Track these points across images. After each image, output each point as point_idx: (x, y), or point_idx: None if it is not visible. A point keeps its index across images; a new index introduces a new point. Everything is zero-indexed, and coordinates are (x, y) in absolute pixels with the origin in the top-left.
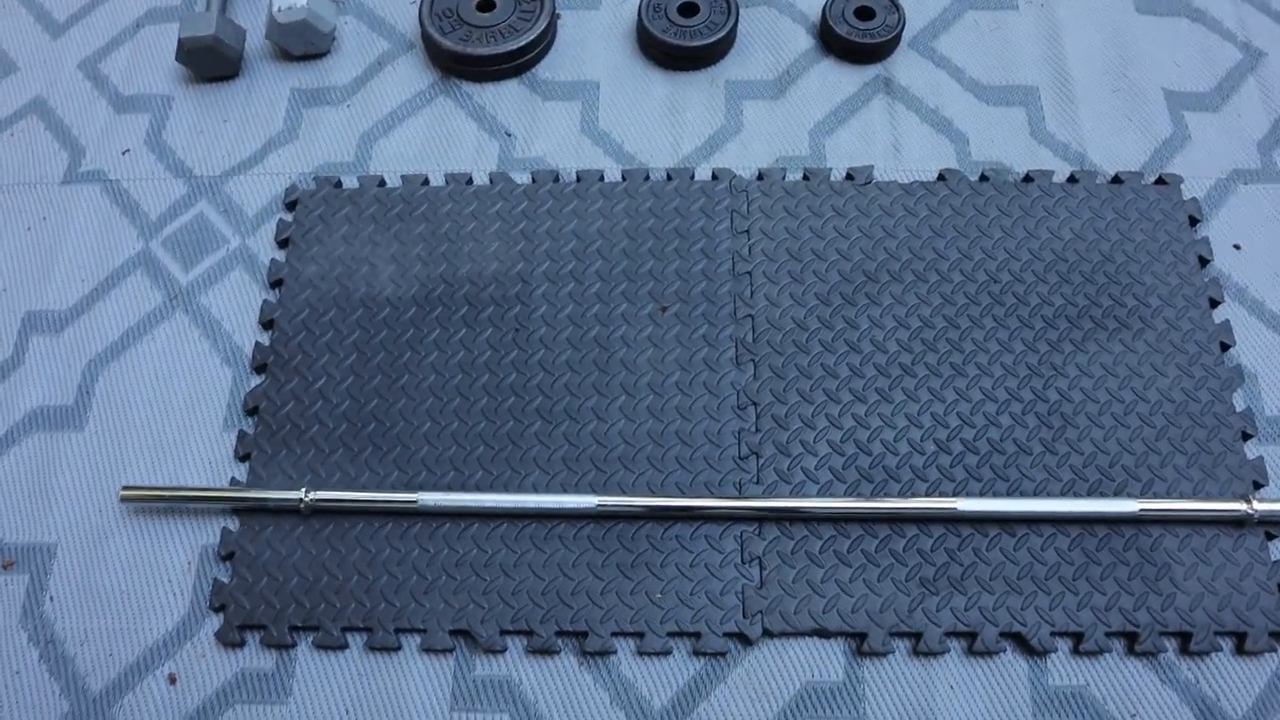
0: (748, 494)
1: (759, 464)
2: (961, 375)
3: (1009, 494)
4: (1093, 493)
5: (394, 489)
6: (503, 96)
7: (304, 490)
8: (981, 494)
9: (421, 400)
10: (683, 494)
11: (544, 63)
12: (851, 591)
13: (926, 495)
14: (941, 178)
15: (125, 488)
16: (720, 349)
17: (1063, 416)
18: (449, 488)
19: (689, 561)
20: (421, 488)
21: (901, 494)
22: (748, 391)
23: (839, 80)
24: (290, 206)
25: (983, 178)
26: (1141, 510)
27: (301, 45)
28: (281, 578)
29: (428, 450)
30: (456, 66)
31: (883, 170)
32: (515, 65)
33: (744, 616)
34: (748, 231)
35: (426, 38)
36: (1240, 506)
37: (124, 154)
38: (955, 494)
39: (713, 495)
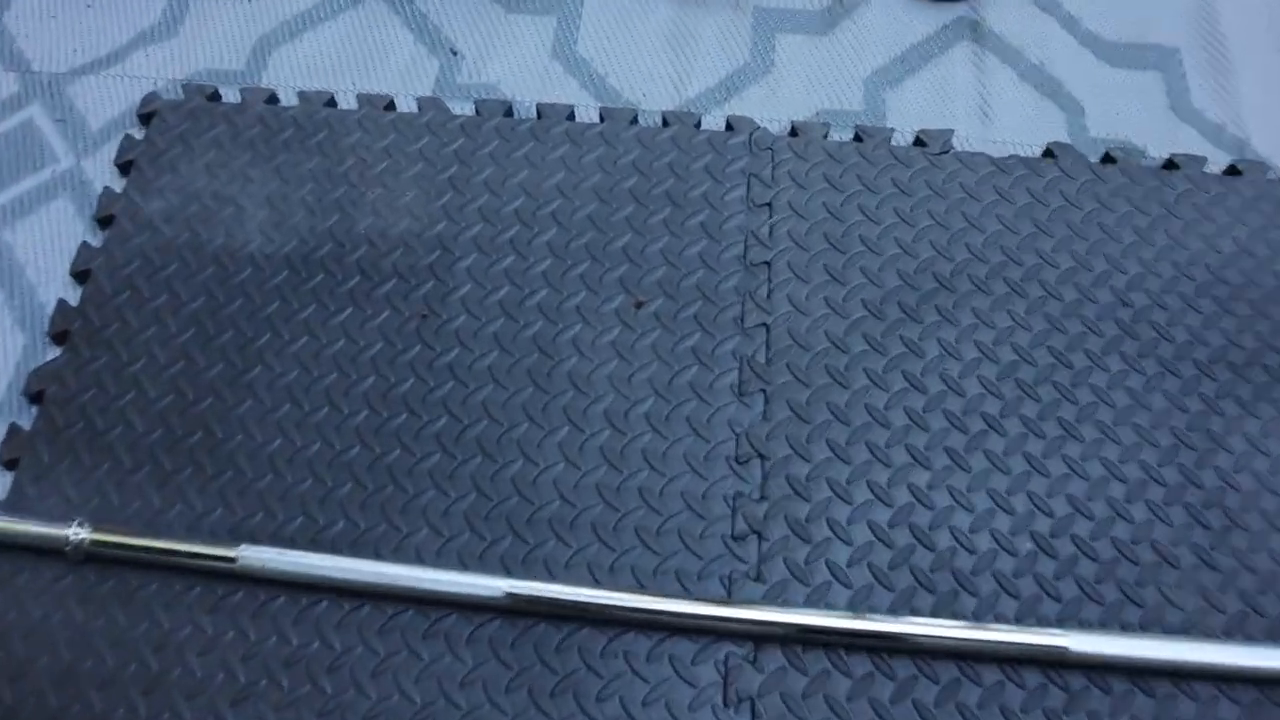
0: (740, 596)
1: (761, 550)
2: (1075, 438)
3: (1143, 628)
4: (1276, 635)
5: (213, 535)
6: (453, 3)
7: (77, 525)
8: (1103, 626)
9: (276, 405)
10: (643, 588)
11: None
12: None
13: (1018, 624)
14: (1050, 154)
15: None
16: (718, 370)
17: (1226, 513)
18: (292, 541)
19: (643, 696)
20: (252, 537)
21: (978, 617)
22: (753, 437)
23: (910, 18)
24: (145, 120)
25: (1107, 159)
26: None
27: None
28: (27, 655)
29: (272, 480)
30: None
31: (966, 138)
32: None
33: None
34: (770, 205)
35: None
36: None
37: None
38: (1062, 624)
39: (689, 596)
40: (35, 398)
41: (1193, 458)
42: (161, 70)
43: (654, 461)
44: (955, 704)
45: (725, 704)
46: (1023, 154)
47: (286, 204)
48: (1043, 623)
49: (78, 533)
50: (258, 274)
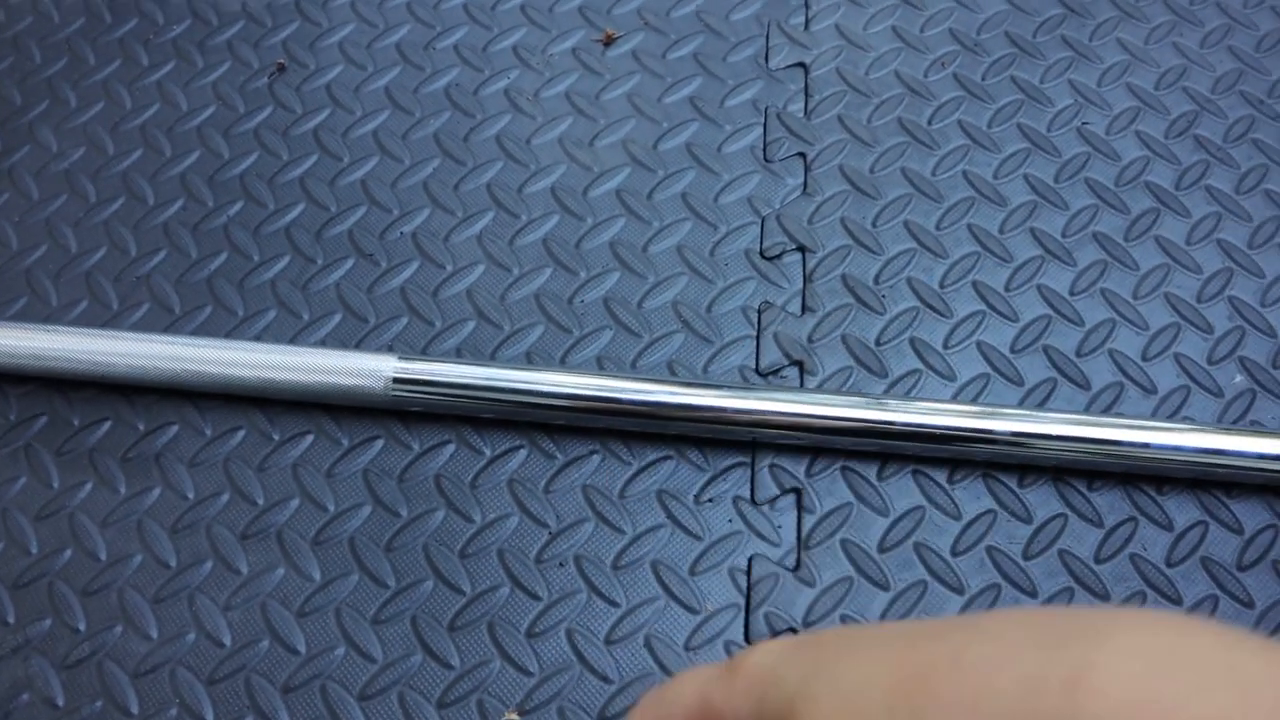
0: (768, 389)
1: (806, 386)
2: None
3: None
4: None
5: None
6: None
7: None
8: None
9: (46, 198)
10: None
11: None
12: None
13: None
14: None
15: None
16: (730, 128)
17: None
18: None
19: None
20: None
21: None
22: (788, 221)
23: None
24: None
25: None
26: None
27: None
28: None
29: (30, 301)
30: None
31: None
32: None
33: None
34: None
35: None
36: None
37: None
38: None
39: (686, 383)
40: None
41: None
42: None
43: (630, 260)
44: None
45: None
46: None
47: None
48: None
49: None
50: (41, 23)
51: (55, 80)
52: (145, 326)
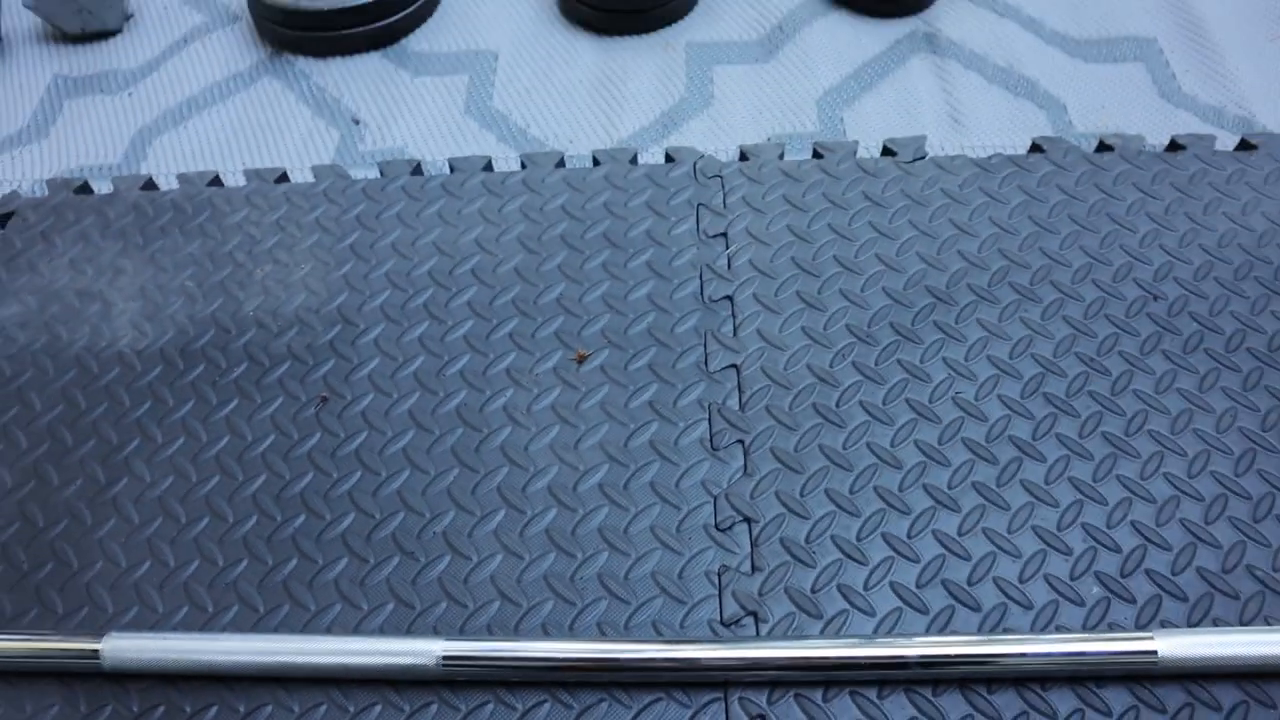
0: (734, 641)
1: (761, 634)
2: (1128, 454)
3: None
4: None
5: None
6: (355, 73)
7: None
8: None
9: (145, 522)
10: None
11: (419, 31)
12: None
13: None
14: (1038, 149)
15: None
16: (683, 424)
17: None
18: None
19: None
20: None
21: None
22: (735, 498)
23: (859, 36)
24: (2, 222)
25: (1103, 147)
26: None
27: (78, 21)
28: None
29: (139, 610)
30: (293, 33)
31: (939, 145)
32: (374, 30)
33: None
34: (725, 235)
35: None
36: None
37: None
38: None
39: (676, 639)
40: None
41: (1275, 461)
42: (26, 172)
43: (615, 541)
44: None
45: None
46: (1008, 153)
47: (162, 293)
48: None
49: None
50: (127, 373)
51: (143, 420)
52: (236, 625)
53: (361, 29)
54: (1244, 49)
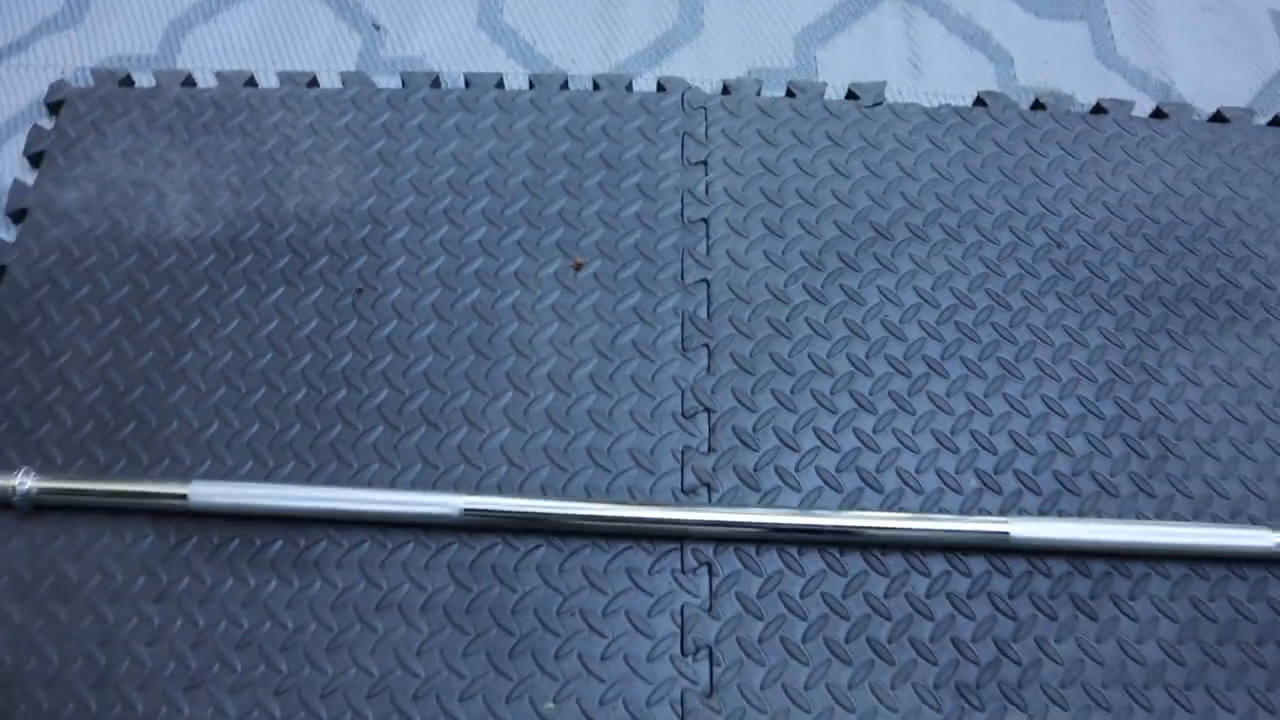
0: (692, 504)
1: (712, 500)
2: (1015, 376)
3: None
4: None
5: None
6: None
7: (22, 474)
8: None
9: (210, 390)
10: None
11: None
12: (852, 703)
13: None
14: (981, 102)
15: None
16: (660, 327)
17: (1161, 442)
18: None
19: (600, 651)
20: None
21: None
22: (699, 392)
23: None
24: (54, 110)
25: (1036, 105)
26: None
27: None
28: None
29: (212, 463)
30: None
31: (898, 90)
32: None
33: None
34: (705, 163)
35: None
36: None
37: None
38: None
39: (644, 501)
40: None
41: (1129, 390)
42: (68, 58)
43: (601, 421)
44: (904, 594)
45: (684, 652)
46: (954, 104)
47: (210, 187)
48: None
49: (24, 481)
50: (184, 259)
51: (202, 302)
52: (292, 478)
53: None
54: (1178, 16)
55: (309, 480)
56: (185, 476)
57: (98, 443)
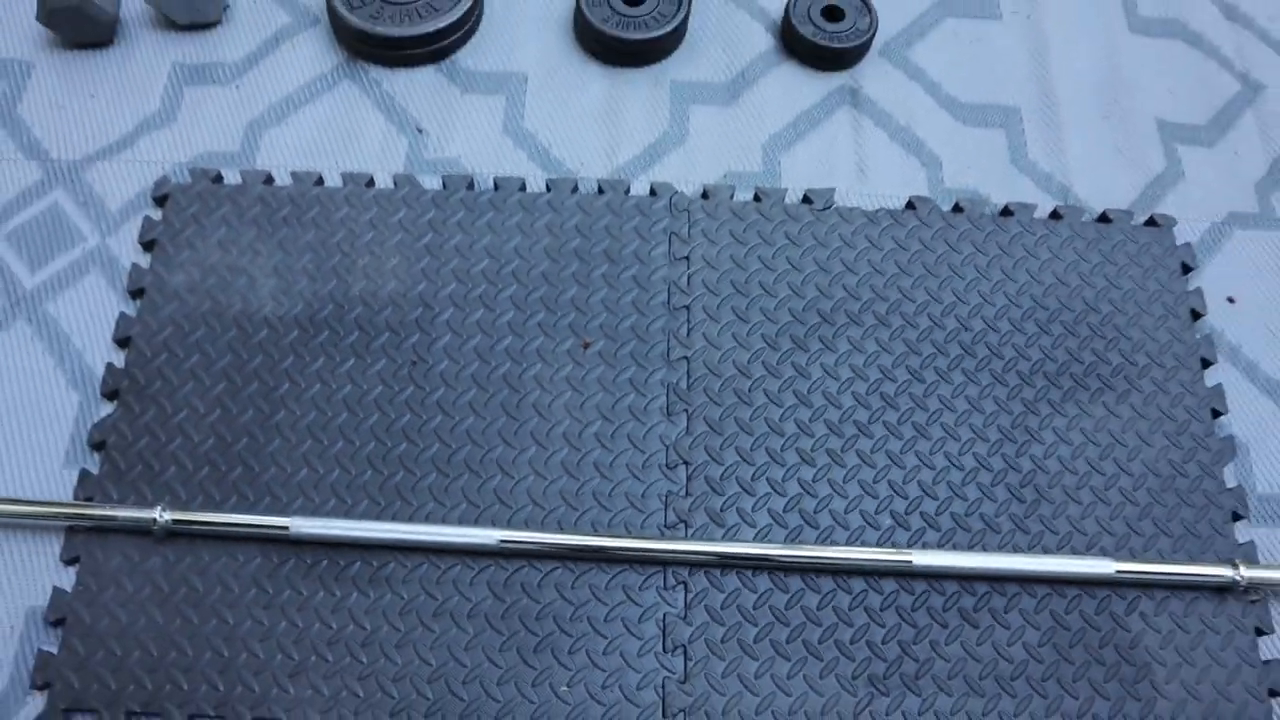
0: (672, 538)
1: (688, 534)
2: (925, 437)
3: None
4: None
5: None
6: (416, 85)
7: (160, 509)
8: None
9: (298, 441)
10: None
11: (466, 48)
12: (790, 689)
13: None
14: (911, 206)
15: None
16: (650, 396)
17: (1036, 489)
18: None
19: (602, 648)
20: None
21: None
22: (679, 448)
23: (800, 87)
24: (160, 202)
25: (956, 208)
26: (1118, 572)
27: (187, 12)
28: (120, 651)
29: (302, 501)
30: (364, 48)
31: (845, 194)
32: (432, 50)
33: (665, 717)
34: (688, 258)
35: (332, 12)
36: (1225, 571)
37: None
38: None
39: (635, 536)
40: (98, 447)
41: (1013, 449)
42: (166, 154)
43: (603, 471)
44: (832, 607)
45: (665, 650)
46: (890, 206)
47: (290, 272)
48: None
49: (162, 514)
50: (273, 334)
51: (290, 370)
52: (365, 514)
53: (422, 49)
54: (1079, 123)
55: (379, 516)
56: (283, 511)
57: (213, 484)
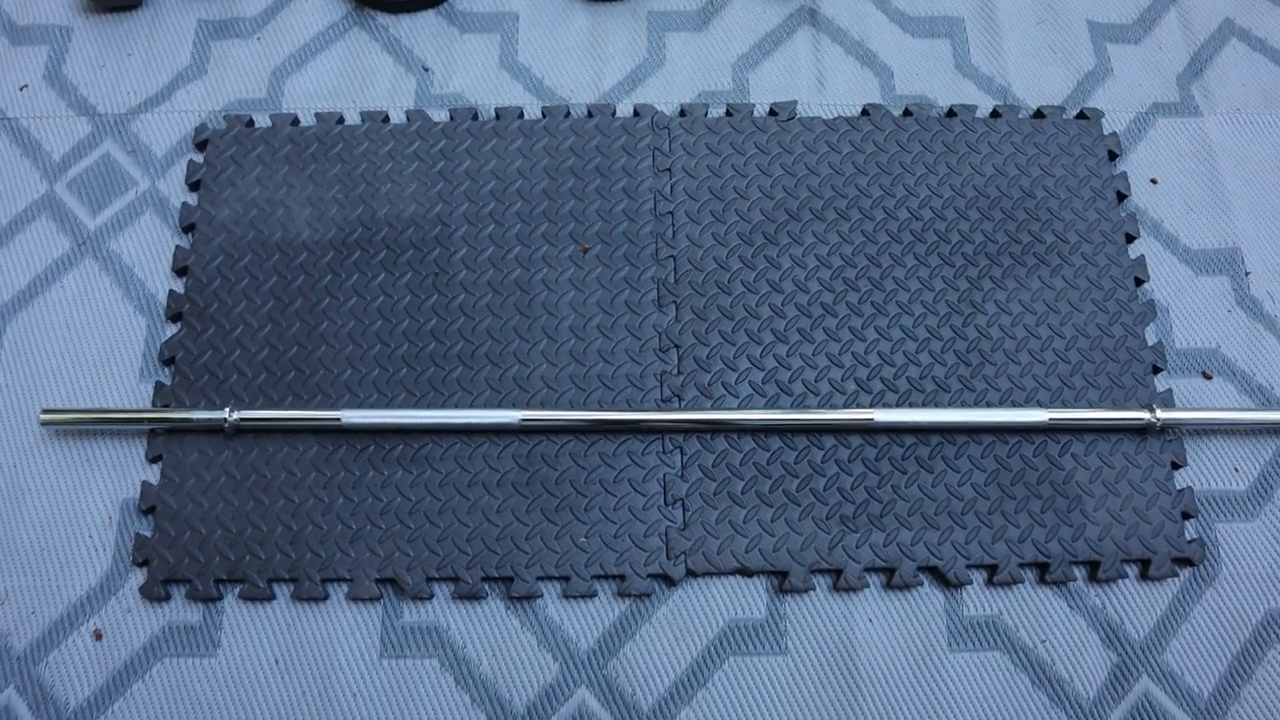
0: (668, 410)
1: (681, 406)
2: (883, 314)
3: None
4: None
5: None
6: (419, 29)
7: (228, 410)
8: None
9: (341, 347)
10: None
11: None
12: (773, 531)
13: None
14: (865, 113)
15: (45, 410)
16: (642, 291)
17: (980, 353)
18: (373, 409)
19: (613, 505)
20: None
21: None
22: (670, 334)
23: (764, 11)
24: (200, 147)
25: (906, 113)
26: (1051, 419)
27: None
28: (204, 530)
29: (349, 397)
30: None
31: (806, 105)
32: None
33: (668, 558)
34: (670, 170)
35: None
36: (1143, 415)
37: (22, 90)
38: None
39: (637, 408)
40: (167, 362)
41: (960, 320)
42: (201, 103)
43: (606, 357)
44: (807, 461)
45: (667, 504)
46: (847, 115)
47: (322, 202)
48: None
49: (231, 414)
50: (311, 256)
51: (329, 286)
52: (403, 404)
53: None
54: (1017, 28)
55: (416, 405)
56: (332, 407)
57: (270, 387)
